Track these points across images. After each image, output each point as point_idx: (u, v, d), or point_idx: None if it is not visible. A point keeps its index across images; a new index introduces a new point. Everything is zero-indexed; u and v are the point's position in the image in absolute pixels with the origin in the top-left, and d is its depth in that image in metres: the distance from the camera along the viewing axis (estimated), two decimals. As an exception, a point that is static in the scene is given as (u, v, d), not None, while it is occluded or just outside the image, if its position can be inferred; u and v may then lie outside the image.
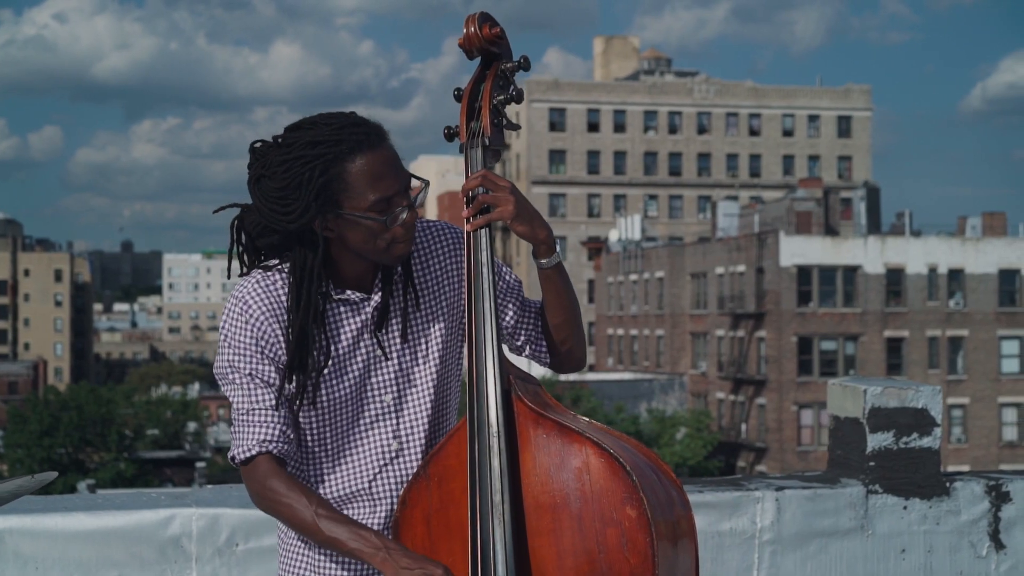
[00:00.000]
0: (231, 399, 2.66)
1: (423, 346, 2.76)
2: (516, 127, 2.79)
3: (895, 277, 53.96)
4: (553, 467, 2.57)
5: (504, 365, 2.64)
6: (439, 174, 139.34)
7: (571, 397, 52.48)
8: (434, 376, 2.76)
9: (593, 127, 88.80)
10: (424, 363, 2.76)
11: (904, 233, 58.71)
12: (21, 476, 2.10)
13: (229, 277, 2.76)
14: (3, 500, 2.11)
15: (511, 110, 2.93)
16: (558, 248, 2.74)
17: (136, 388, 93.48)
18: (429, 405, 2.76)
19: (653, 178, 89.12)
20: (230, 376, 2.65)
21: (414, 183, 2.73)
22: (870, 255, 53.66)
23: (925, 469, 4.24)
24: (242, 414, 2.64)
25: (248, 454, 2.62)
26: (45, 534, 3.64)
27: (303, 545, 2.76)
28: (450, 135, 2.76)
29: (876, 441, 4.22)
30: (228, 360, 2.65)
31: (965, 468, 48.46)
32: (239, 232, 2.71)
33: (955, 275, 54.51)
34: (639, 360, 67.86)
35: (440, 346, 2.77)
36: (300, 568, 2.77)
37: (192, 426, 79.96)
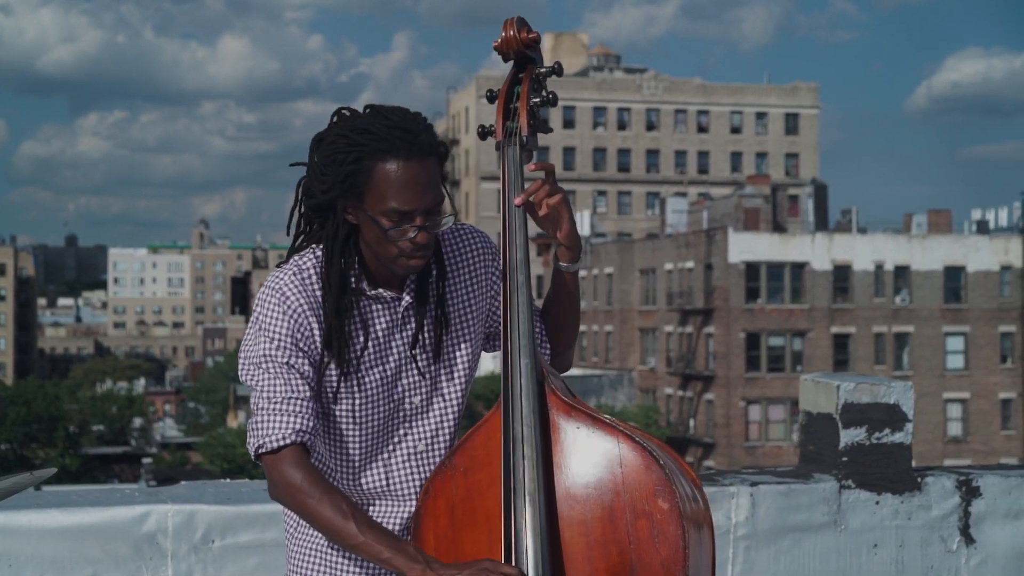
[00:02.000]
0: (260, 388, 2.62)
1: (452, 349, 2.78)
2: (549, 129, 2.85)
3: (842, 274, 54.37)
4: (585, 458, 2.59)
5: (538, 358, 2.67)
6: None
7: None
8: (462, 378, 2.79)
9: (543, 123, 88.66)
10: (452, 366, 2.78)
11: (851, 230, 59.19)
12: (20, 473, 2.07)
13: (289, 234, 2.77)
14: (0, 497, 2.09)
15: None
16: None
17: (81, 383, 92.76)
18: (456, 406, 2.79)
19: (602, 174, 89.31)
20: (264, 365, 2.62)
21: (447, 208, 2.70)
22: (818, 252, 54.04)
23: (897, 464, 4.27)
24: (275, 403, 2.60)
25: (281, 443, 2.57)
26: (18, 531, 3.60)
27: (317, 541, 2.74)
28: (484, 134, 2.82)
29: (849, 437, 4.24)
30: (264, 350, 2.63)
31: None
32: (303, 192, 2.73)
33: (901, 272, 54.99)
34: (588, 356, 68.00)
35: (468, 349, 2.80)
36: (313, 565, 2.75)
37: (138, 422, 79.38)
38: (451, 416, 2.78)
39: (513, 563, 2.54)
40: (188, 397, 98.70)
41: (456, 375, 2.78)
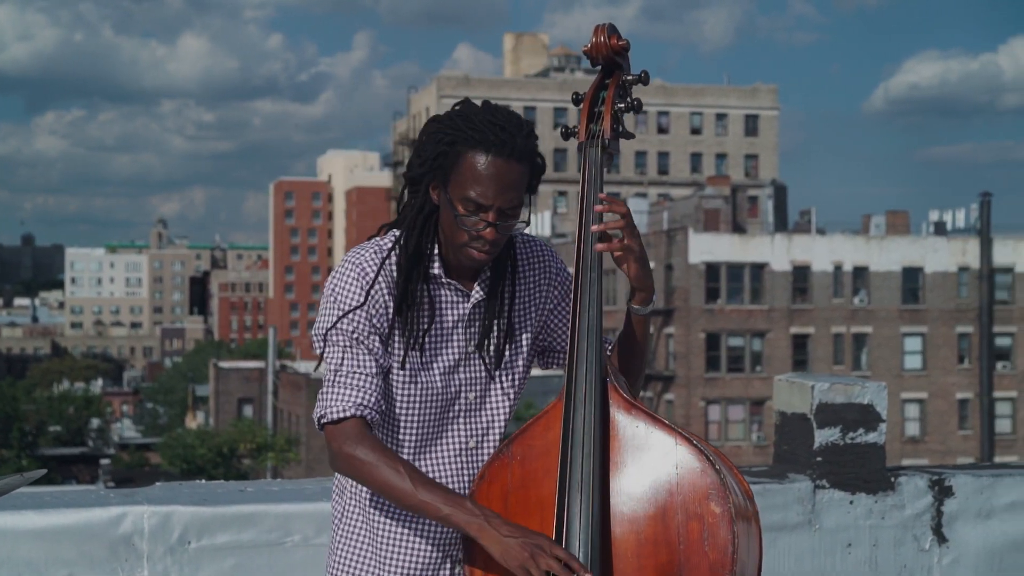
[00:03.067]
0: (329, 359, 2.69)
1: (512, 349, 2.83)
2: (631, 135, 2.89)
3: (801, 274, 54.64)
4: (642, 456, 2.64)
5: (603, 354, 2.71)
6: (347, 169, 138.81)
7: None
8: (518, 380, 2.85)
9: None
10: (510, 365, 2.83)
11: (809, 231, 59.47)
12: (10, 474, 2.06)
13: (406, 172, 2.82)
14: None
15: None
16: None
17: (37, 384, 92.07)
18: (509, 407, 2.83)
19: (563, 175, 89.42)
20: (334, 337, 2.68)
21: (524, 215, 2.76)
22: (777, 253, 54.29)
23: (871, 464, 4.29)
24: (341, 376, 2.67)
25: (343, 414, 2.64)
26: (-8, 533, 3.56)
27: (376, 512, 2.78)
28: (566, 134, 2.88)
29: (823, 437, 4.26)
30: (337, 323, 2.68)
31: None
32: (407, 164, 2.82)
33: (860, 272, 55.31)
34: (548, 356, 68.02)
35: (526, 352, 2.86)
36: (361, 555, 2.79)
37: (95, 422, 78.88)
38: (503, 415, 2.82)
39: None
40: (146, 398, 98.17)
41: (513, 375, 2.84)
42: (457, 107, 2.73)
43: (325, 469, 53.99)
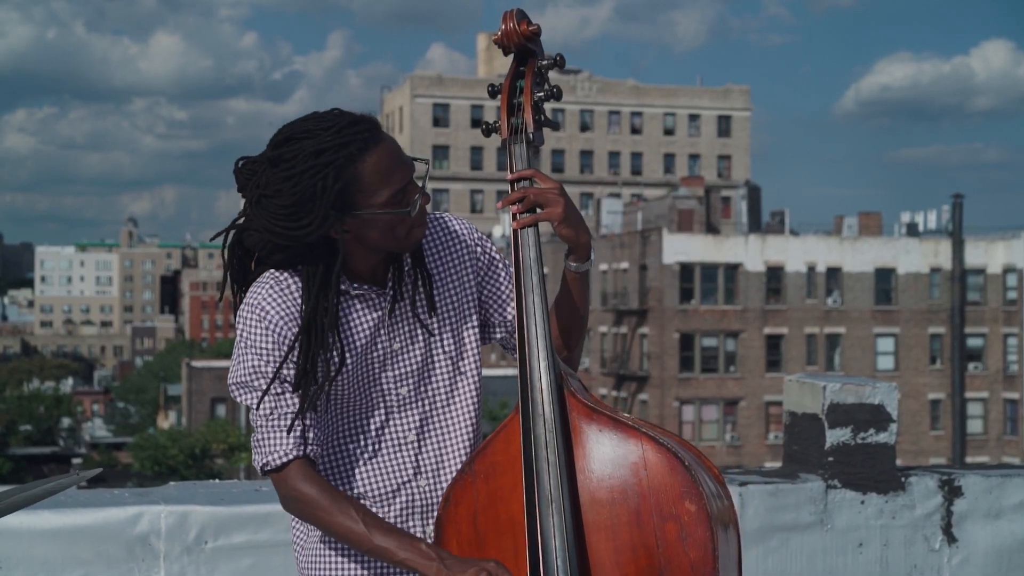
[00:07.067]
0: (254, 406, 2.61)
1: (439, 338, 2.74)
2: (555, 124, 2.79)
3: (775, 275, 54.81)
4: (609, 462, 2.56)
5: (556, 360, 2.63)
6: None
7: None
8: (451, 368, 2.75)
9: (477, 123, 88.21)
10: (441, 355, 2.74)
11: (783, 232, 59.67)
12: (66, 475, 2.04)
13: (220, 299, 2.71)
14: (41, 496, 2.06)
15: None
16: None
17: (7, 383, 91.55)
18: (445, 396, 2.75)
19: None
20: (255, 383, 2.60)
21: (418, 166, 2.69)
22: (751, 253, 54.44)
23: (882, 464, 4.31)
24: (272, 420, 2.59)
25: (283, 460, 2.58)
26: (9, 533, 3.54)
27: (325, 547, 2.72)
28: (488, 131, 2.77)
29: (835, 437, 4.28)
30: (252, 366, 2.60)
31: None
32: (240, 252, 2.65)
33: (833, 273, 55.52)
34: (522, 356, 68.02)
35: (456, 337, 2.76)
36: (324, 570, 2.72)
37: (66, 422, 78.52)
38: (441, 406, 2.74)
39: (540, 570, 2.52)
40: (117, 397, 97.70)
41: (445, 363, 2.74)
42: (280, 155, 2.53)
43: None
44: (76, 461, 63.15)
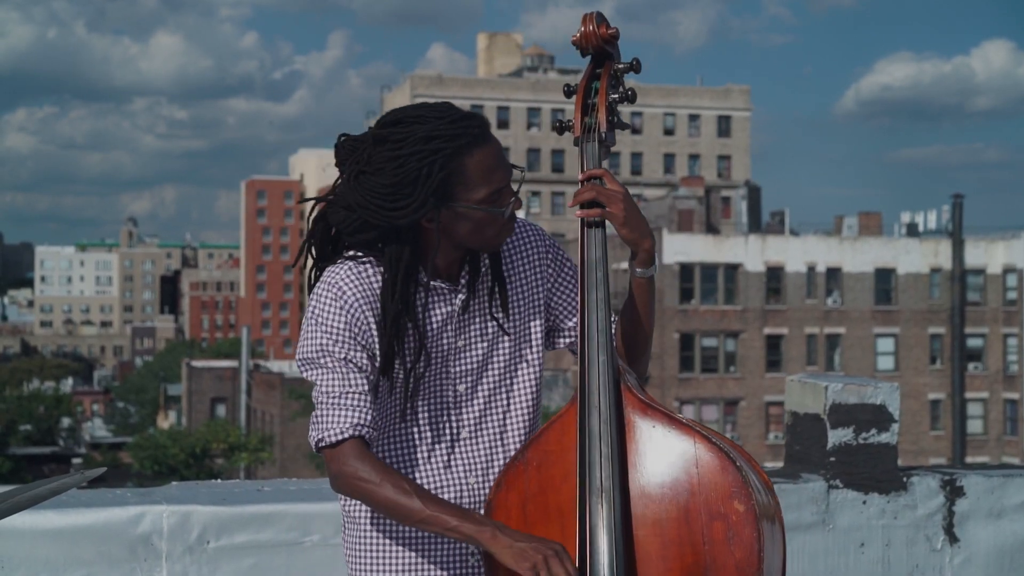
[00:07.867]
0: (318, 383, 2.63)
1: (504, 339, 2.78)
2: (628, 126, 2.84)
3: (775, 275, 54.84)
4: (661, 457, 2.60)
5: (614, 355, 2.67)
6: (319, 168, 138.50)
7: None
8: (511, 370, 2.80)
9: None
10: (503, 356, 2.79)
11: (783, 232, 59.70)
12: (70, 474, 2.04)
13: (295, 264, 2.78)
14: (46, 496, 2.06)
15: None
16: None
17: (7, 383, 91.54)
18: (502, 397, 2.78)
19: (536, 175, 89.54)
20: (321, 360, 2.62)
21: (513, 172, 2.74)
22: (751, 253, 54.48)
23: (884, 464, 4.31)
24: (333, 397, 2.61)
25: (339, 437, 2.59)
26: (11, 533, 3.54)
27: (374, 529, 2.74)
28: (561, 128, 2.82)
29: (837, 437, 4.27)
30: (320, 344, 2.62)
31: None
32: (321, 227, 2.71)
33: (833, 274, 55.56)
34: (522, 356, 68.10)
35: (519, 341, 2.80)
36: (376, 559, 2.75)
37: (66, 421, 78.54)
38: (499, 405, 2.78)
39: (588, 560, 2.54)
40: (117, 397, 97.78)
41: (505, 363, 2.78)
42: (390, 134, 2.58)
43: (299, 469, 53.77)
44: (76, 461, 63.17)
